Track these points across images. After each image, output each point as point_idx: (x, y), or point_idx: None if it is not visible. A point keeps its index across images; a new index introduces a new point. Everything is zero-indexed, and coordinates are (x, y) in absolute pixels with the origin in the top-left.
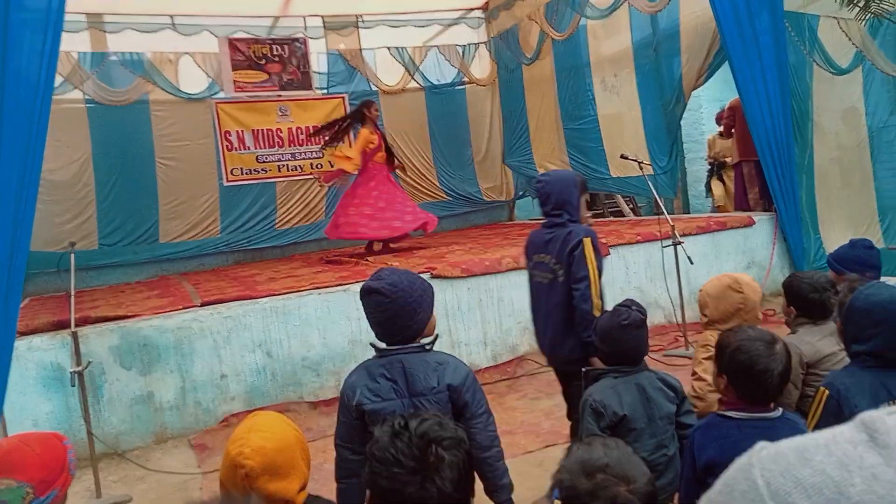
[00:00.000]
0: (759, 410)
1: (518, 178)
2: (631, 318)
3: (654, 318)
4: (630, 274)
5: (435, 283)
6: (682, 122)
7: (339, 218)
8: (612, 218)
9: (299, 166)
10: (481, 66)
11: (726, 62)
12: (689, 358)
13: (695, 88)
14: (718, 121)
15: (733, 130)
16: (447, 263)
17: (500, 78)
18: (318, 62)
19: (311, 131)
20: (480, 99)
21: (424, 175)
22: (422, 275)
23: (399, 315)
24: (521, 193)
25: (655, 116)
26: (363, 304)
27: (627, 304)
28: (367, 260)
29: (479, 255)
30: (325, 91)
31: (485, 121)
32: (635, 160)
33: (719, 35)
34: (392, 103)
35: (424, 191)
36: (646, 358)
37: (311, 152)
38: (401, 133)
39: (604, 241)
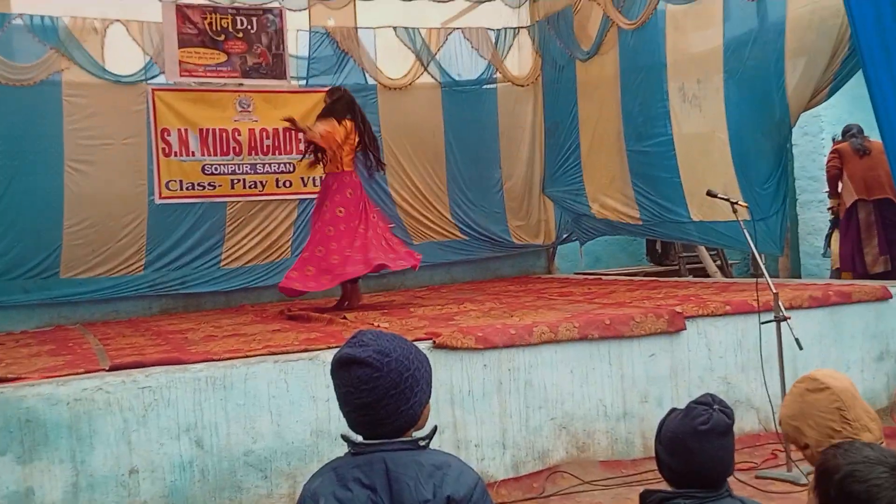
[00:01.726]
0: None
1: (562, 214)
2: (712, 422)
3: (743, 424)
4: (713, 358)
5: (437, 356)
6: (794, 152)
7: (314, 262)
8: (691, 278)
9: (261, 183)
10: (520, 60)
11: (858, 71)
12: (794, 483)
13: (810, 107)
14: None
15: (840, 182)
16: (457, 329)
17: (546, 77)
18: (297, 43)
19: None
20: (517, 103)
21: (432, 203)
22: (419, 343)
23: (388, 397)
24: (564, 236)
25: (751, 141)
26: (336, 380)
27: (707, 402)
28: (344, 317)
29: (501, 319)
30: (304, 83)
31: (521, 134)
32: (726, 199)
33: (851, 33)
34: (394, 103)
35: (430, 225)
36: (730, 479)
37: (279, 164)
38: (404, 145)
39: (678, 309)
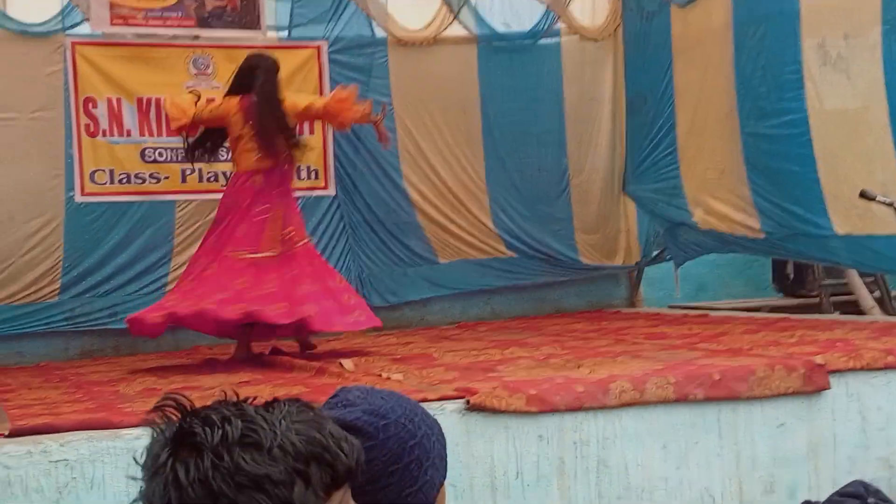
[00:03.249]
0: None
1: (650, 223)
2: None
3: None
4: (869, 430)
5: (472, 423)
6: None
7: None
8: (837, 315)
9: (224, 175)
10: (594, 3)
11: None
12: None
13: None
14: None
15: None
16: (500, 384)
17: (629, 28)
18: None
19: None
20: (588, 65)
21: (465, 206)
22: (446, 402)
23: (387, 475)
24: (654, 255)
25: None
26: None
27: (859, 494)
28: (340, 365)
29: (564, 370)
30: (286, 35)
31: (596, 109)
32: (888, 203)
33: None
34: (412, 64)
35: (463, 236)
36: None
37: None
38: (425, 124)
39: (819, 360)
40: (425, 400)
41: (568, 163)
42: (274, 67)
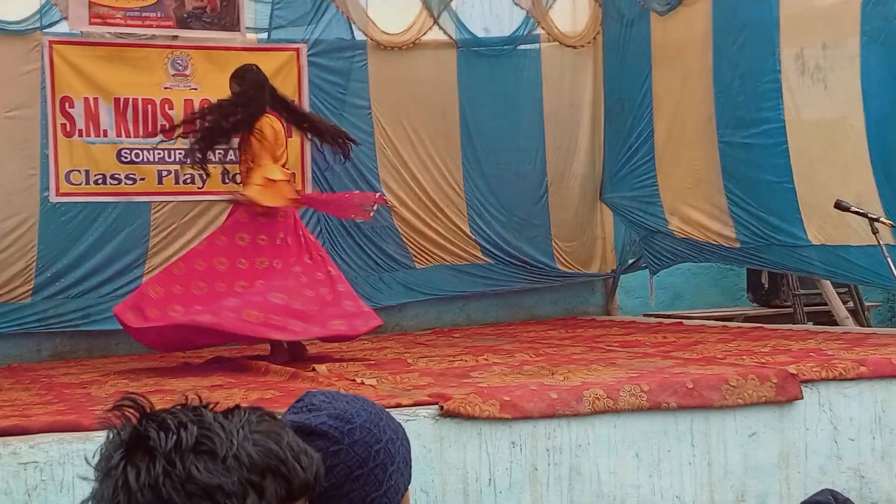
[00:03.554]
0: None
1: (626, 231)
2: None
3: None
4: (840, 441)
5: (446, 429)
6: None
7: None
8: (811, 325)
9: (201, 176)
10: (574, 10)
11: None
12: None
13: None
14: None
15: None
16: (474, 390)
17: (608, 36)
18: None
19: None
20: (568, 72)
21: (442, 211)
22: (420, 409)
23: (351, 480)
24: (630, 262)
25: None
26: None
27: (828, 502)
28: (313, 369)
29: (538, 377)
30: (265, 37)
31: (576, 115)
32: (863, 214)
33: None
34: (391, 68)
35: (439, 241)
36: None
37: (229, 150)
38: (403, 129)
39: (792, 370)
40: (399, 405)
41: (547, 169)
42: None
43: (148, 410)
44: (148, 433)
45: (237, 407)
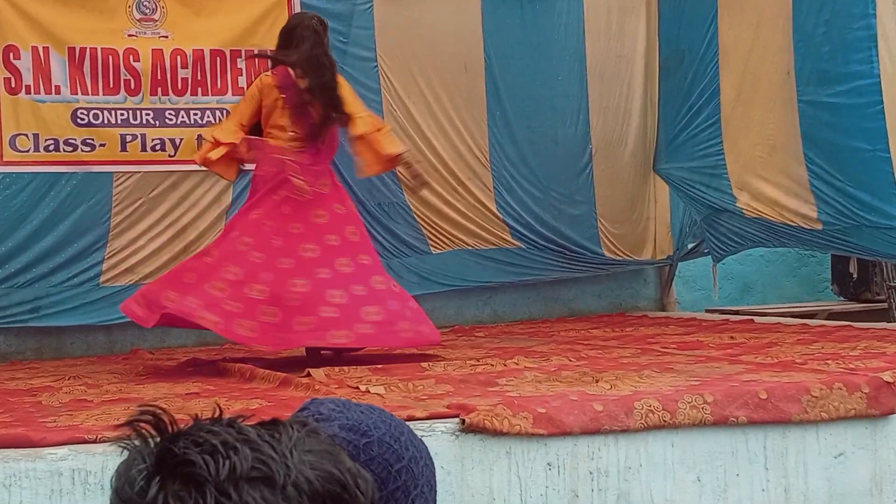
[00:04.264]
0: None
1: (685, 210)
2: None
3: None
4: None
5: (468, 446)
6: None
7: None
8: None
9: (172, 142)
10: None
11: None
12: None
13: None
14: None
15: None
16: (502, 401)
17: None
18: None
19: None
20: (615, 17)
21: (464, 185)
22: (436, 422)
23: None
24: (690, 247)
25: None
26: None
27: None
28: (308, 374)
29: (578, 385)
30: None
31: (626, 69)
32: None
33: None
34: (400, 14)
35: (461, 222)
36: None
37: (204, 111)
38: (417, 85)
39: (887, 377)
40: (412, 419)
41: (590, 135)
42: (320, 27)
43: (172, 427)
44: (188, 457)
45: (277, 421)
